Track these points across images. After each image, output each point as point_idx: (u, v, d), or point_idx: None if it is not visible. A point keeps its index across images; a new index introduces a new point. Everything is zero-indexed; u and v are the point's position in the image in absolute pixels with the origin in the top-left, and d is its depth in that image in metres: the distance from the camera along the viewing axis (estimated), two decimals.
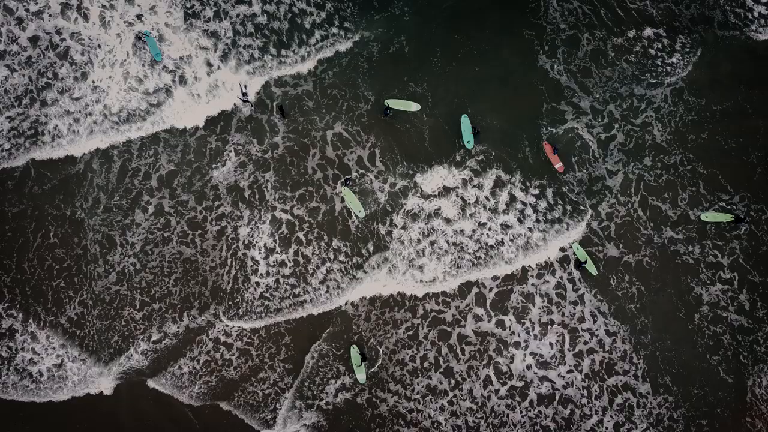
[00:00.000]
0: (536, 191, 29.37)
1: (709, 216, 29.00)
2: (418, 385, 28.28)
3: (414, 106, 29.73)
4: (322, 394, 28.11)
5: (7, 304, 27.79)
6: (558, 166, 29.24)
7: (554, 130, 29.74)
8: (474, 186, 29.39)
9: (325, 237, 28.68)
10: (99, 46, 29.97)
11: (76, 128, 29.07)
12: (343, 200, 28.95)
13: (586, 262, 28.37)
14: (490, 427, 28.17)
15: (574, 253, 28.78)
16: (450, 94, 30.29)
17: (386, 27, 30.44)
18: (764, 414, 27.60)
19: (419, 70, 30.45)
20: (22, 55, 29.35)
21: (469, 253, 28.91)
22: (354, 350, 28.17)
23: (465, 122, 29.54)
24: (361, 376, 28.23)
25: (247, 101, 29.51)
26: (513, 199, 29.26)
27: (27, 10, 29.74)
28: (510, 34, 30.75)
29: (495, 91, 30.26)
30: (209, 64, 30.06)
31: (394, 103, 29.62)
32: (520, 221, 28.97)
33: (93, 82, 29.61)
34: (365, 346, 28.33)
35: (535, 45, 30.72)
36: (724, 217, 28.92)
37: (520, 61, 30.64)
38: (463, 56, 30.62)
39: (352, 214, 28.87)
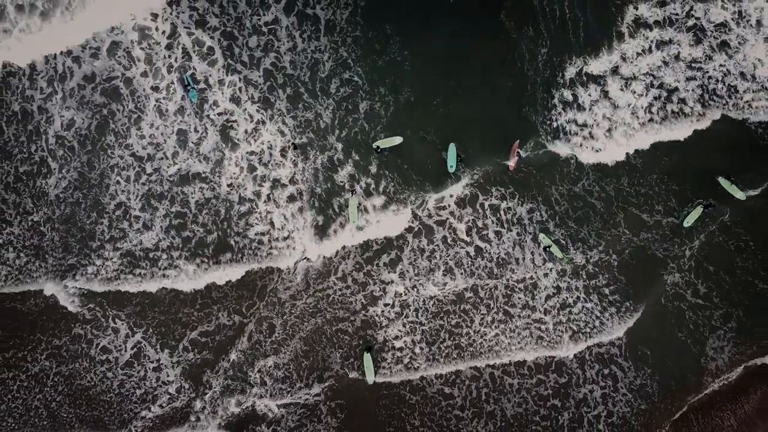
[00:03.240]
0: (529, 204, 32.66)
1: (689, 219, 31.98)
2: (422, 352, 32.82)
3: (397, 140, 32.04)
4: (330, 362, 32.73)
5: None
6: (511, 165, 32.04)
7: (533, 153, 32.54)
8: (474, 205, 32.73)
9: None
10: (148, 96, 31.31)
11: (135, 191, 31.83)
12: (346, 207, 32.09)
13: (550, 247, 32.09)
14: (491, 396, 32.99)
15: (541, 241, 32.35)
16: (443, 126, 32.52)
17: (387, 73, 32.50)
18: (714, 371, 33.12)
19: (419, 108, 32.51)
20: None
21: (482, 263, 32.75)
22: (367, 357, 31.89)
23: (451, 149, 32.02)
24: (370, 377, 32.00)
25: (307, 259, 32.38)
26: (513, 214, 32.69)
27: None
28: (494, 75, 32.64)
29: (483, 123, 32.62)
30: (254, 121, 31.94)
31: (383, 143, 31.99)
32: (519, 235, 32.74)
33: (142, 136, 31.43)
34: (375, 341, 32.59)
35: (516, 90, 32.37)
36: (697, 212, 31.95)
37: (505, 95, 32.55)
38: (454, 93, 32.59)
39: (349, 221, 31.98)
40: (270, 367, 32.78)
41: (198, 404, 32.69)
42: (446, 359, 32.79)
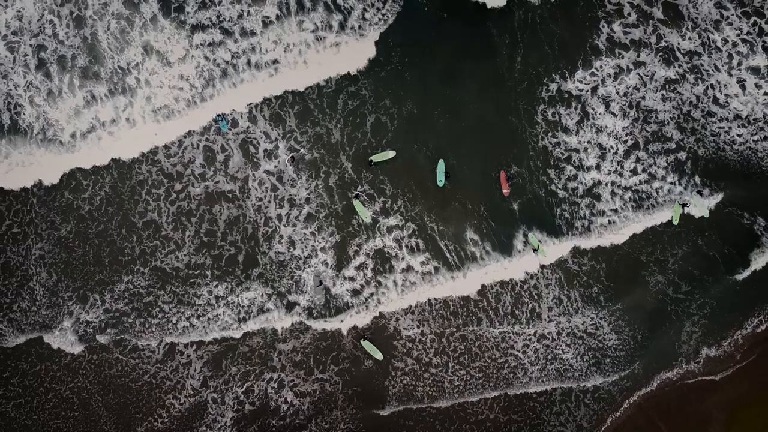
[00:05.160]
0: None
1: (674, 219, 33.23)
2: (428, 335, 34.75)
3: (391, 154, 33.47)
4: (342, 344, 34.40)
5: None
6: (505, 191, 33.50)
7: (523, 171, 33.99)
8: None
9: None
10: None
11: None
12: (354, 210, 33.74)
13: (538, 249, 33.48)
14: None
15: (528, 242, 33.79)
16: (440, 139, 33.92)
17: (390, 83, 33.67)
18: (685, 352, 35.78)
19: (420, 121, 33.82)
20: None
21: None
22: (366, 344, 33.70)
23: (440, 165, 33.60)
24: (377, 355, 33.98)
25: (321, 286, 33.74)
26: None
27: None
28: (487, 92, 33.95)
29: (476, 141, 34.09)
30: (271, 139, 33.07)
31: (377, 158, 33.36)
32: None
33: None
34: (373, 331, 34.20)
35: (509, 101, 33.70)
36: (678, 209, 33.19)
37: (499, 113, 33.94)
38: (452, 110, 33.99)
39: (360, 219, 33.57)
40: (288, 350, 34.25)
41: (216, 395, 34.28)
42: (453, 354, 34.75)
